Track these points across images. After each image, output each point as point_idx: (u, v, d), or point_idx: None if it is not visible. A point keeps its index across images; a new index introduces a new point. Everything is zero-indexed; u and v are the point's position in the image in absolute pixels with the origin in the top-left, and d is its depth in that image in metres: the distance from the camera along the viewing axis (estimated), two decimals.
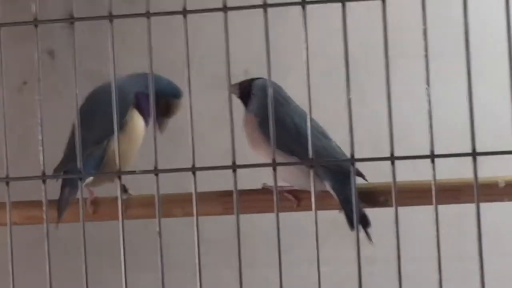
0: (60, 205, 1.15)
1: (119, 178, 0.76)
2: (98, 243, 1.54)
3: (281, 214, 1.23)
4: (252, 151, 1.18)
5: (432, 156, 0.73)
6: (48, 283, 0.75)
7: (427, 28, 0.72)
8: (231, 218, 1.28)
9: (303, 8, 0.75)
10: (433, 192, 0.73)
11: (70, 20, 0.78)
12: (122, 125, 1.18)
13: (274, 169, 0.78)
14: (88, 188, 1.21)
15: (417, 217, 1.42)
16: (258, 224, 1.52)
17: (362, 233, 1.10)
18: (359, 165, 1.13)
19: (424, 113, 0.74)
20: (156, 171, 0.74)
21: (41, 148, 0.77)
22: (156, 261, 1.64)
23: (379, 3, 0.74)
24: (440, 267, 0.73)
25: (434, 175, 0.72)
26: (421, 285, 1.30)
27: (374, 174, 1.10)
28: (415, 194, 1.11)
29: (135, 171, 0.79)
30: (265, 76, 1.26)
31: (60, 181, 1.16)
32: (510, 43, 0.72)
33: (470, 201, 1.02)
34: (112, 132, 1.16)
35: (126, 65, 1.29)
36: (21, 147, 1.53)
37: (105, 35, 1.61)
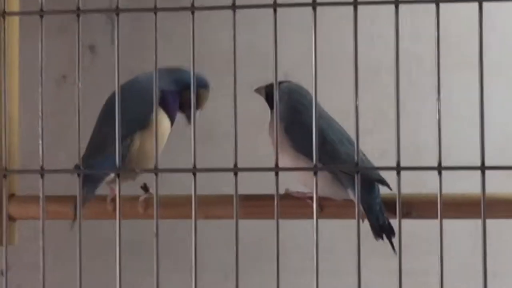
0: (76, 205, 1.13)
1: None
2: (130, 242, 1.53)
3: (319, 221, 1.22)
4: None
5: (440, 168, 0.70)
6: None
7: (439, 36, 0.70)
8: (265, 221, 1.28)
9: (314, 9, 0.73)
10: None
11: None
12: (147, 123, 1.17)
13: (277, 174, 0.76)
14: (110, 186, 1.19)
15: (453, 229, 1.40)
16: (296, 230, 1.51)
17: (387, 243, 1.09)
18: (385, 175, 1.12)
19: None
20: (156, 171, 0.75)
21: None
22: (187, 261, 1.63)
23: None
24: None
25: (440, 188, 0.70)
26: None
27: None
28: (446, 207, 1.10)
29: (134, 170, 0.79)
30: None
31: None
32: None
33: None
34: (136, 129, 1.16)
35: (168, 61, 1.28)
36: (57, 141, 1.53)
37: (146, 31, 1.61)
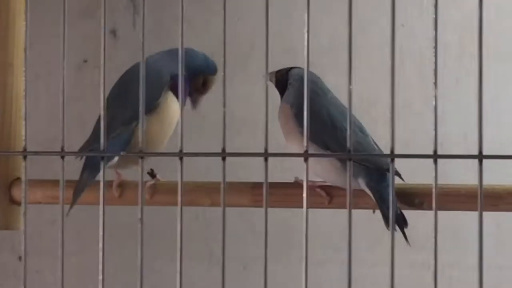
0: (77, 187, 1.10)
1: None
2: (153, 230, 1.53)
3: (334, 211, 1.21)
4: (286, 143, 1.14)
5: (435, 156, 0.69)
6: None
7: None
8: (284, 211, 1.27)
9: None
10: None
11: None
12: (155, 107, 1.14)
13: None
14: (116, 170, 1.17)
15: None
16: (313, 219, 1.50)
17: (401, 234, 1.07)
18: (397, 164, 1.11)
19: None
20: (141, 154, 0.73)
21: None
22: (208, 250, 1.63)
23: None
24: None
25: (436, 176, 0.68)
26: None
27: (413, 174, 1.07)
28: (454, 198, 1.08)
29: (120, 153, 0.78)
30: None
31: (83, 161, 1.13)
32: None
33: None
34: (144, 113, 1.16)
35: (189, 45, 1.27)
36: (78, 125, 1.52)
37: (168, 17, 1.60)
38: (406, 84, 1.53)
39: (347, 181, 1.11)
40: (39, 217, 1.59)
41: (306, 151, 0.72)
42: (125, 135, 1.12)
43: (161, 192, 1.16)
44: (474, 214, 0.68)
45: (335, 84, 1.52)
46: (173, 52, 1.20)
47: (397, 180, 1.10)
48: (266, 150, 0.68)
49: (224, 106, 0.71)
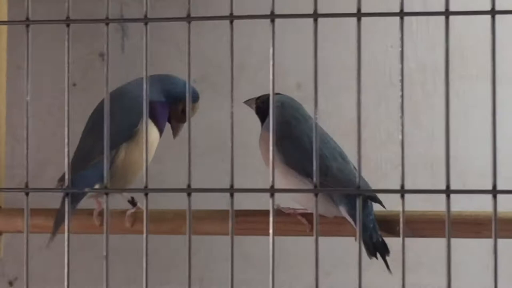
0: (57, 218, 1.09)
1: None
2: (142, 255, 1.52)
3: (323, 238, 1.20)
4: (267, 169, 1.14)
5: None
6: None
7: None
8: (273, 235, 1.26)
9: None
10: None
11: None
12: (134, 134, 1.13)
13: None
14: (96, 199, 1.17)
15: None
16: (301, 244, 1.49)
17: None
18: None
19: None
20: (106, 190, 0.71)
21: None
22: (198, 275, 1.61)
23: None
24: None
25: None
26: None
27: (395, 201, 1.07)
28: (432, 226, 1.10)
29: (84, 189, 0.76)
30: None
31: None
32: None
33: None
34: (122, 141, 1.13)
35: (178, 71, 1.27)
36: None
37: (158, 40, 1.59)
38: (397, 105, 1.53)
39: (331, 211, 1.12)
40: (29, 242, 1.57)
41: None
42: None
43: (142, 220, 1.15)
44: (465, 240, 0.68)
45: (324, 105, 1.52)
46: (152, 79, 1.20)
47: (379, 207, 1.10)
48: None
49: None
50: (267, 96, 1.17)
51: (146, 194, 0.68)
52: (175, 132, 1.21)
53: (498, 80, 0.68)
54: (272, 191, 0.70)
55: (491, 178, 0.66)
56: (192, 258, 1.55)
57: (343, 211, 1.09)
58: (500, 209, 0.67)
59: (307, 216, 1.13)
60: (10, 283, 1.60)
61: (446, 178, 0.65)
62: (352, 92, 1.52)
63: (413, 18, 1.50)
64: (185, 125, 1.22)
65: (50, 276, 1.50)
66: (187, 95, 0.66)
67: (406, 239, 1.13)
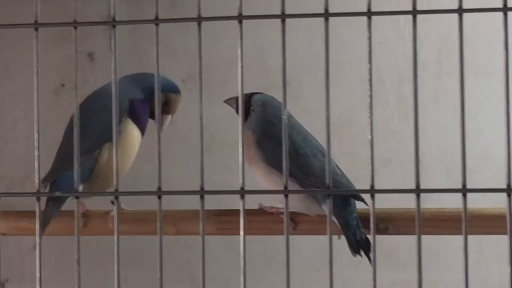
0: (42, 220, 1.10)
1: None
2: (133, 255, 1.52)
3: (313, 236, 1.20)
4: (250, 168, 1.13)
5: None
6: None
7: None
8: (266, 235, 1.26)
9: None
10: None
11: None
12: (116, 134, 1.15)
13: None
14: (80, 201, 1.17)
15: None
16: (299, 243, 1.49)
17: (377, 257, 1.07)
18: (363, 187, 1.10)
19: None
20: (77, 194, 0.73)
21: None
22: (189, 273, 1.62)
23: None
24: None
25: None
26: None
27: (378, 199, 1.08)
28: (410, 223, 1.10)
29: (55, 193, 0.75)
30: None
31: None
32: None
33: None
34: (104, 142, 1.13)
35: (166, 70, 1.26)
36: (55, 150, 1.51)
37: (145, 39, 1.59)
38: (385, 102, 1.53)
39: (313, 209, 1.12)
40: (20, 243, 1.57)
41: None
42: (88, 163, 1.12)
43: (125, 221, 1.15)
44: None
45: (313, 102, 1.52)
46: (132, 78, 1.20)
47: (362, 205, 1.10)
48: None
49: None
50: (248, 95, 1.17)
51: (116, 197, 0.69)
52: (159, 125, 1.22)
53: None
54: (242, 192, 0.70)
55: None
56: (183, 257, 1.55)
57: (325, 209, 1.09)
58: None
59: (290, 215, 1.14)
60: (2, 285, 1.60)
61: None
62: (341, 89, 1.53)
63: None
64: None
65: (42, 277, 1.50)
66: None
67: (397, 237, 1.14)
